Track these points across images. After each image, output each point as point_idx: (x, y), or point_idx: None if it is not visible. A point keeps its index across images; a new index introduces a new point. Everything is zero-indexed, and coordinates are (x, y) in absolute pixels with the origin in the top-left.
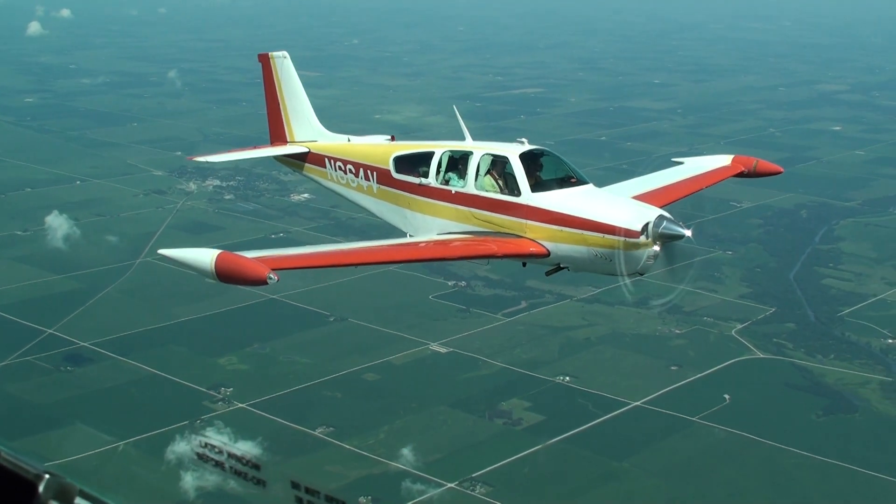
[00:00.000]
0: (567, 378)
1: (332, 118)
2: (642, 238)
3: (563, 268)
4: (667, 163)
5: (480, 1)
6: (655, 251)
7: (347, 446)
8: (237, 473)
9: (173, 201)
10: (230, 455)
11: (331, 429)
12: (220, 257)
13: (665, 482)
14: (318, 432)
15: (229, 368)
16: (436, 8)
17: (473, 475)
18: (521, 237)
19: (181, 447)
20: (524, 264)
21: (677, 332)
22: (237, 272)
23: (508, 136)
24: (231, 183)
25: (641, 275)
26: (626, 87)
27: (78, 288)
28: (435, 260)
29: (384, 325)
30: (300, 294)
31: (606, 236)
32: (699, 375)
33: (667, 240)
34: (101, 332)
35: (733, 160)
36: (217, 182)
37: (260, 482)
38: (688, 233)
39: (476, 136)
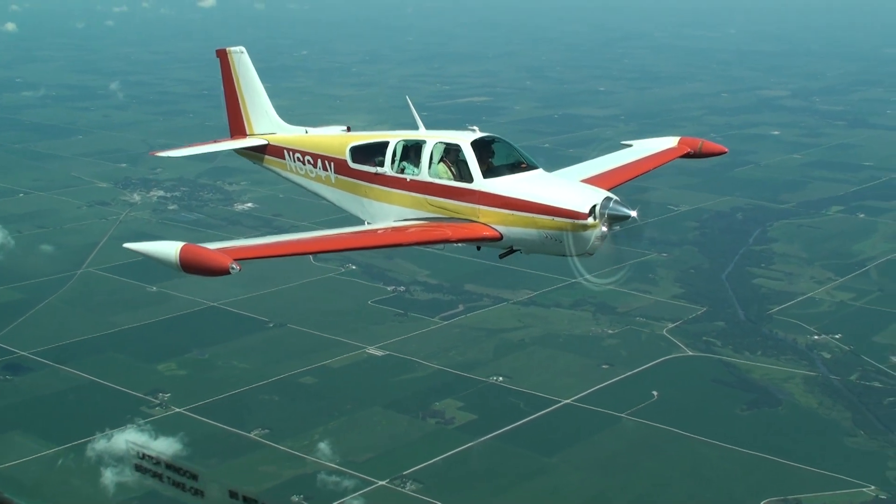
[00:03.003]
0: (500, 378)
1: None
2: (590, 220)
3: (515, 250)
4: (615, 147)
5: (430, 11)
6: (603, 232)
7: (282, 447)
8: (175, 485)
9: (117, 212)
10: (168, 466)
11: (266, 431)
12: (184, 249)
13: (591, 476)
14: (253, 434)
15: (167, 374)
16: (386, 18)
17: (404, 473)
18: (475, 222)
19: (103, 446)
20: (478, 248)
21: (610, 332)
22: (200, 263)
23: None
24: (175, 193)
25: (591, 255)
26: (571, 94)
27: (19, 298)
28: (392, 246)
29: (322, 331)
30: (241, 301)
31: (555, 219)
32: (629, 373)
33: (614, 221)
34: (41, 342)
35: (680, 141)
36: (161, 193)
37: (198, 492)
38: (633, 213)
39: None
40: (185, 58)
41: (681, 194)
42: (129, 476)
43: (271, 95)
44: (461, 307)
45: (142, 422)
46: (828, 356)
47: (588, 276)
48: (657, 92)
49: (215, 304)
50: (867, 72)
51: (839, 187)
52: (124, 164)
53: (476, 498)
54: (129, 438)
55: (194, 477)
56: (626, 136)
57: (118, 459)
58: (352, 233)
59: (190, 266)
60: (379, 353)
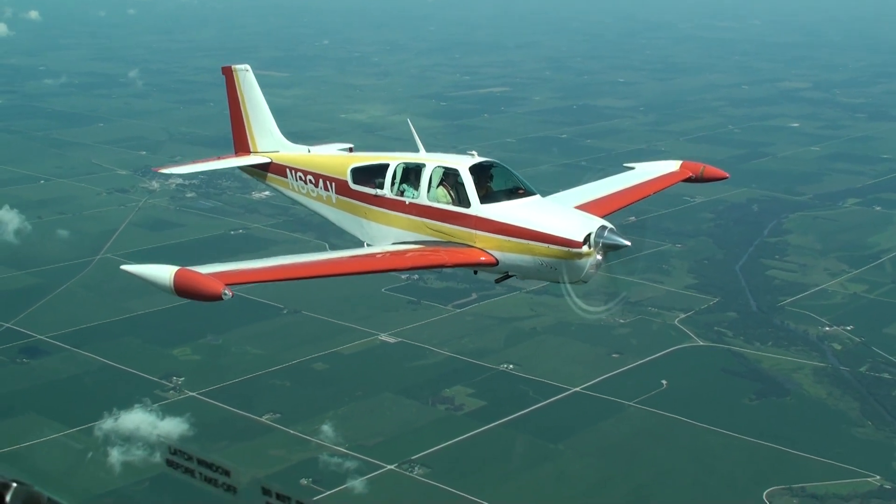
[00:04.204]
0: (511, 366)
1: (297, 118)
2: (585, 248)
3: (511, 275)
4: (621, 160)
5: (451, 1)
6: (598, 260)
7: (292, 431)
8: (208, 480)
9: (136, 199)
10: (200, 462)
11: (277, 415)
12: (179, 274)
13: (596, 462)
14: (264, 419)
15: (182, 359)
16: (407, 8)
17: (412, 458)
18: (472, 247)
19: (113, 426)
20: (475, 272)
21: (621, 321)
22: (194, 288)
23: (470, 134)
24: (193, 181)
25: (585, 282)
26: (591, 85)
27: (38, 283)
28: (388, 271)
29: (336, 317)
30: (255, 288)
31: (551, 246)
32: (639, 362)
33: (608, 249)
34: (58, 326)
35: (681, 165)
36: (179, 180)
37: (231, 488)
38: (628, 243)
39: (439, 134)
40: (206, 46)
41: (697, 185)
42: (138, 455)
43: (289, 85)
44: (474, 296)
45: (153, 405)
46: (838, 347)
47: (583, 306)
48: (677, 83)
49: None
50: (889, 64)
51: (856, 179)
52: (144, 152)
53: (482, 483)
54: (159, 433)
55: (227, 473)
56: (645, 126)
57: (125, 439)
58: (349, 257)
59: (183, 291)
60: (391, 339)
